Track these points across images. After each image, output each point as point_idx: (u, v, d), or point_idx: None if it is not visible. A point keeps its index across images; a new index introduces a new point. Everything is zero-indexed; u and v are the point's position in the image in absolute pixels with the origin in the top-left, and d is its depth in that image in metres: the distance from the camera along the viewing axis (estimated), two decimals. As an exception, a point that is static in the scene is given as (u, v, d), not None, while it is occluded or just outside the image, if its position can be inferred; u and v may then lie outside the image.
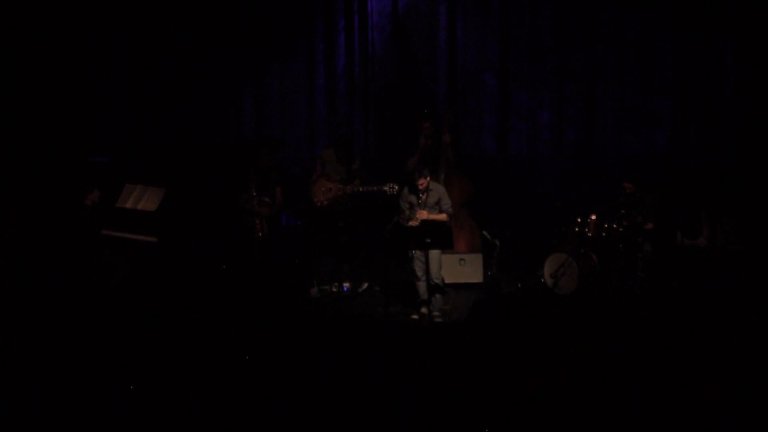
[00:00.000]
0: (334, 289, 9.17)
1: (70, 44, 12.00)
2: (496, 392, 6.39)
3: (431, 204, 8.36)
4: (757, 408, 6.03)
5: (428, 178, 8.31)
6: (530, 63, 12.42)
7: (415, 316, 8.49)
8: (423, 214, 8.25)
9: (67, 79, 11.85)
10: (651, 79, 12.31)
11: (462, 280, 9.41)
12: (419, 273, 8.36)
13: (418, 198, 8.32)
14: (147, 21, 12.37)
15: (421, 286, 8.36)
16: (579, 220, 9.40)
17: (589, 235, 9.23)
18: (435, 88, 12.56)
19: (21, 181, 10.26)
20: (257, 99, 12.67)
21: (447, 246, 8.13)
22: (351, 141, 9.99)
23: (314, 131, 12.70)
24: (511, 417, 5.99)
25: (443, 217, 8.32)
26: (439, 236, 7.89)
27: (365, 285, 9.49)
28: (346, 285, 9.28)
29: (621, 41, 12.28)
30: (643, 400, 6.22)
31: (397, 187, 8.90)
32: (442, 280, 8.48)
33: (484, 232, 8.97)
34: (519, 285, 9.30)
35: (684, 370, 6.75)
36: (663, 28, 12.19)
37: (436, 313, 8.34)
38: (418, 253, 8.35)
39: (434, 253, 8.26)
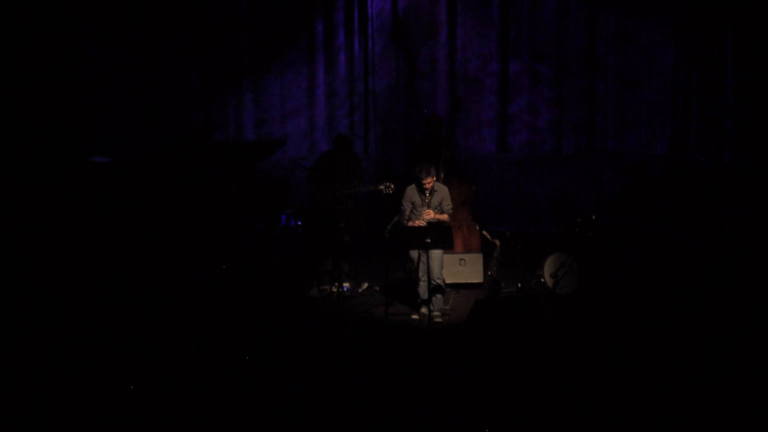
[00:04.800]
0: (334, 289, 9.17)
1: (71, 44, 12.00)
2: (496, 392, 6.39)
3: (435, 204, 8.39)
4: (757, 408, 6.03)
5: (434, 178, 8.35)
6: (530, 63, 12.44)
7: (415, 316, 8.48)
8: (429, 214, 8.29)
9: (67, 78, 11.84)
10: (651, 80, 12.33)
11: (462, 280, 9.41)
12: (420, 273, 8.36)
13: (423, 198, 8.34)
14: (147, 21, 12.38)
15: (422, 286, 8.36)
16: (579, 220, 9.40)
17: (589, 235, 9.23)
18: (435, 87, 12.57)
19: (20, 181, 10.24)
20: (257, 99, 12.68)
21: (447, 246, 8.15)
22: (350, 142, 9.99)
23: (314, 131, 12.70)
24: (511, 417, 5.99)
25: (444, 217, 8.38)
26: (439, 236, 7.91)
27: (365, 285, 9.49)
28: (346, 285, 9.27)
29: (621, 41, 12.31)
30: (643, 400, 6.22)
31: (393, 186, 8.92)
32: (444, 280, 8.49)
33: (484, 232, 8.97)
34: (519, 285, 9.30)
35: (684, 370, 6.74)
36: (663, 27, 12.21)
37: (436, 313, 8.34)
38: (415, 254, 8.37)
39: (436, 253, 8.27)
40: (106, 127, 12.48)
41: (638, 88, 12.37)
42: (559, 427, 5.87)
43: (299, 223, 11.82)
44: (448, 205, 8.47)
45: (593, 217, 9.30)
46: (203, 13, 12.49)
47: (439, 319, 8.35)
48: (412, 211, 8.43)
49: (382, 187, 8.96)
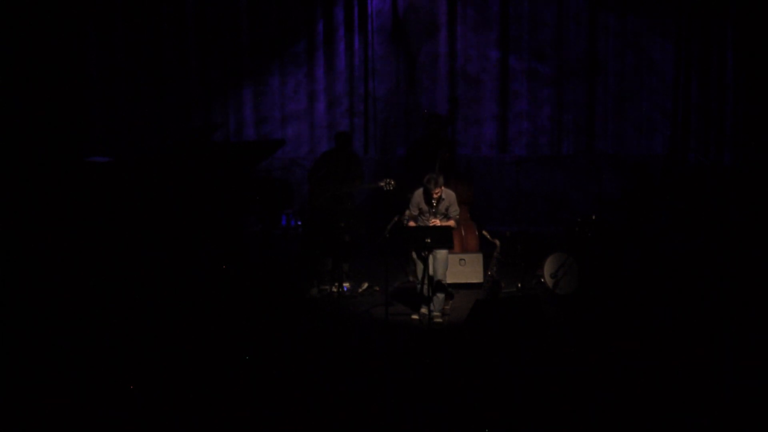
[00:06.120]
0: (334, 289, 9.17)
1: (70, 44, 12.01)
2: (496, 392, 6.39)
3: (442, 211, 8.39)
4: (758, 408, 6.04)
5: (442, 188, 8.34)
6: (530, 63, 12.45)
7: (415, 316, 8.48)
8: (435, 224, 8.30)
9: (67, 78, 11.85)
10: (651, 79, 12.34)
11: (462, 280, 9.41)
12: (419, 273, 8.36)
13: (431, 206, 8.35)
14: (147, 21, 12.39)
15: (422, 286, 8.36)
16: (579, 220, 9.40)
17: (589, 235, 9.23)
18: (435, 87, 12.57)
19: (20, 181, 10.25)
20: (257, 99, 12.68)
21: (447, 246, 8.15)
22: (351, 140, 9.99)
23: (314, 131, 12.70)
24: (511, 417, 6.00)
25: (451, 223, 8.38)
26: (439, 236, 7.91)
27: (365, 285, 9.49)
28: (346, 285, 9.27)
29: (621, 41, 12.33)
30: (643, 400, 6.22)
31: (393, 183, 8.93)
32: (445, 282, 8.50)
33: (484, 232, 8.97)
34: (519, 285, 9.31)
35: (685, 370, 6.75)
36: (663, 27, 12.22)
37: (436, 313, 8.34)
38: (415, 255, 8.39)
39: (442, 254, 8.28)
40: (106, 127, 12.48)
41: (638, 88, 12.38)
42: (559, 427, 5.87)
43: (299, 223, 11.82)
44: (455, 211, 8.46)
45: (593, 217, 9.31)
46: (203, 13, 12.49)
47: (439, 319, 8.35)
48: (418, 216, 8.43)
49: (382, 184, 8.97)
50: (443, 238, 7.96)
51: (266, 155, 9.77)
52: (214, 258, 9.26)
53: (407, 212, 8.48)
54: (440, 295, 8.38)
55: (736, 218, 10.22)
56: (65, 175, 9.41)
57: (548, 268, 9.18)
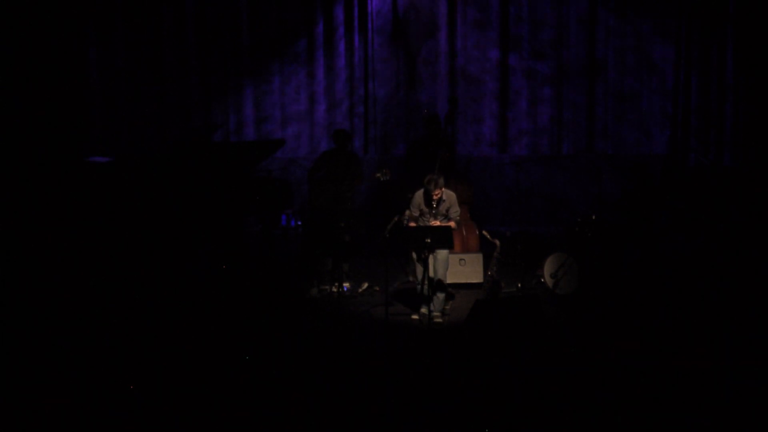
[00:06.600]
0: (334, 289, 9.17)
1: (71, 44, 12.01)
2: (496, 392, 6.39)
3: (442, 212, 8.39)
4: (758, 408, 6.04)
5: (443, 189, 8.34)
6: (530, 63, 12.46)
7: (415, 316, 8.49)
8: (435, 224, 8.29)
9: (67, 78, 11.85)
10: (650, 80, 12.34)
11: (462, 280, 9.41)
12: (419, 274, 8.36)
13: (431, 207, 8.35)
14: (147, 21, 12.39)
15: (422, 286, 8.35)
16: (579, 220, 9.40)
17: (589, 235, 9.23)
18: (435, 87, 12.58)
19: (20, 181, 10.26)
20: (257, 99, 12.69)
21: (447, 246, 8.15)
22: (350, 137, 9.98)
23: (314, 131, 12.70)
24: (511, 417, 6.00)
25: (451, 224, 8.37)
26: (438, 236, 7.91)
27: (365, 285, 9.49)
28: (346, 285, 9.27)
29: (621, 41, 12.33)
30: (643, 400, 6.23)
31: (388, 171, 8.93)
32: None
33: (484, 232, 8.97)
34: (519, 285, 9.31)
35: (685, 370, 6.75)
36: (663, 27, 12.22)
37: (436, 313, 8.34)
38: (415, 257, 8.39)
39: (442, 254, 8.27)
40: (106, 127, 12.49)
41: (638, 88, 12.38)
42: (559, 427, 5.87)
43: (299, 223, 11.83)
44: (455, 212, 8.46)
45: (593, 217, 9.31)
46: (203, 13, 12.50)
47: (439, 319, 8.35)
48: (419, 218, 8.42)
49: (378, 174, 9.00)
50: (443, 238, 7.96)
51: (266, 155, 9.77)
52: (214, 258, 9.27)
53: (407, 212, 8.48)
54: (440, 295, 8.38)
55: (736, 218, 10.23)
56: (65, 174, 9.41)
57: (548, 268, 9.18)
